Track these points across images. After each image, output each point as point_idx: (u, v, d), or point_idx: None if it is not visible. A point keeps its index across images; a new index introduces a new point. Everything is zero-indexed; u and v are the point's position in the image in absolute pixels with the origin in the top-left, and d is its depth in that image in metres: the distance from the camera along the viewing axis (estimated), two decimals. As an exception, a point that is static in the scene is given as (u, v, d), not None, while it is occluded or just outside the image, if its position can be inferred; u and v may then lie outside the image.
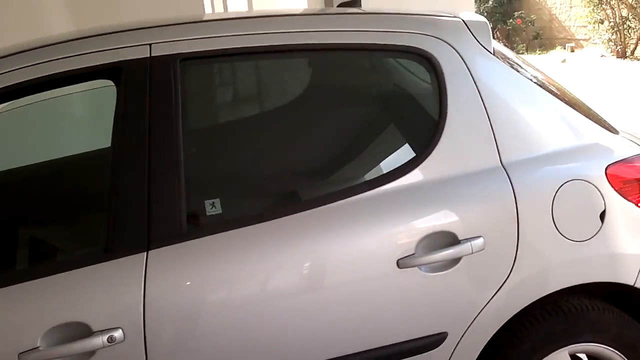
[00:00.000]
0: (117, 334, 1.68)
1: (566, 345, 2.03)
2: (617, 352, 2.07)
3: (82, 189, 2.45)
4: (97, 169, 2.11)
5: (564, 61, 17.47)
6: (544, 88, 2.10)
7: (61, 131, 3.21)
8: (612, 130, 2.19)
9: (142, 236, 1.74)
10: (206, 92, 2.12)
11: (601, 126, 2.14)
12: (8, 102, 2.17)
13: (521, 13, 20.77)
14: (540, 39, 20.24)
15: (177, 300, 1.74)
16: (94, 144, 2.35)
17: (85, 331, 1.68)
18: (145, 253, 1.73)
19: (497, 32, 22.27)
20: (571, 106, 2.12)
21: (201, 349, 1.76)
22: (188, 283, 1.75)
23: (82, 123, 3.30)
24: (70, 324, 1.68)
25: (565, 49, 18.89)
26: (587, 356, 2.17)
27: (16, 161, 2.81)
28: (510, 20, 20.95)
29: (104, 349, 1.68)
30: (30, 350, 1.66)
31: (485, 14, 21.53)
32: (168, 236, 1.75)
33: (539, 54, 19.43)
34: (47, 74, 1.81)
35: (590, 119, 2.13)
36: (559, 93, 2.15)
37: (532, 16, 20.46)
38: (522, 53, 19.94)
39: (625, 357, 2.07)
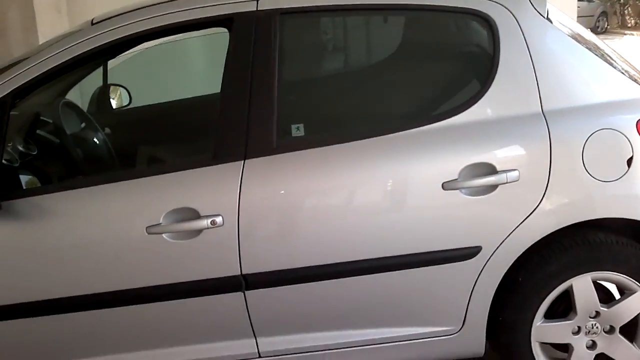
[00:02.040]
0: (218, 219, 2.21)
1: (589, 272, 2.36)
2: (635, 281, 2.38)
3: (197, 124, 3.00)
4: (209, 107, 2.61)
5: (696, 41, 16.59)
6: (589, 49, 2.41)
7: (187, 68, 3.81)
8: None
9: (241, 148, 2.25)
10: (300, 40, 2.59)
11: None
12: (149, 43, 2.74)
13: (655, -11, 19.72)
14: (675, 17, 19.14)
15: (263, 198, 2.24)
16: (211, 82, 2.86)
17: (195, 215, 2.22)
18: (243, 161, 2.24)
19: (628, 9, 21.32)
20: (614, 67, 2.42)
21: (280, 238, 2.27)
22: (273, 186, 2.25)
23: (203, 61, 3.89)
24: (184, 209, 2.22)
25: (700, 28, 17.84)
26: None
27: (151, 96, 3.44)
28: (643, -3, 19.92)
29: (208, 229, 2.21)
30: (155, 225, 2.22)
31: (618, -11, 20.65)
32: (261, 150, 2.25)
33: (671, 32, 18.46)
34: (180, 20, 2.34)
35: (630, 78, 2.43)
36: (603, 55, 2.46)
37: (667, -7, 19.37)
38: (653, 31, 19.02)
39: (643, 287, 2.39)
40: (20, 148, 2.56)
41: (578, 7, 20.25)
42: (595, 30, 20.73)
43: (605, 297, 2.47)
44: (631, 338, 2.47)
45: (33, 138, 2.70)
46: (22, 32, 4.79)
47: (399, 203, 2.30)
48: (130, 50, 3.03)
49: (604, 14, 21.08)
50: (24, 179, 2.53)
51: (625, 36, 19.70)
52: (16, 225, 2.25)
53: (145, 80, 4.43)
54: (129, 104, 3.84)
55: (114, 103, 3.90)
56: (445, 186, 2.24)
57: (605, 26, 21.10)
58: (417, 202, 2.30)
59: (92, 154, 2.84)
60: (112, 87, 3.83)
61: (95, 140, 2.91)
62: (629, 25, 21.22)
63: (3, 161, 2.39)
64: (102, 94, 3.67)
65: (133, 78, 4.12)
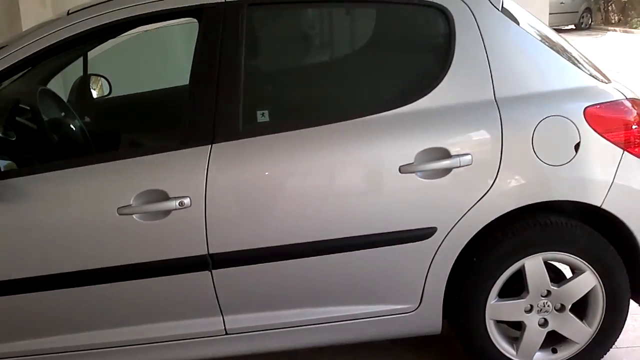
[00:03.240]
0: (186, 200, 2.32)
1: (540, 252, 2.49)
2: (584, 262, 2.51)
3: (171, 112, 3.09)
4: (182, 96, 2.71)
5: (677, 38, 16.79)
6: (541, 41, 2.54)
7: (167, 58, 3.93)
8: (604, 79, 2.60)
9: (209, 133, 2.36)
10: (266, 30, 2.71)
11: (592, 76, 2.56)
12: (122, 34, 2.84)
13: (639, -14, 19.92)
14: (658, 14, 19.36)
15: (228, 181, 2.35)
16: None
17: (164, 196, 2.32)
18: (210, 145, 2.35)
19: (612, 5, 21.54)
20: (565, 58, 2.55)
21: (244, 219, 2.38)
22: (239, 168, 2.36)
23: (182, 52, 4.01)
24: (154, 191, 2.33)
25: (682, 25, 18.06)
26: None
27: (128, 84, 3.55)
28: (627, -7, 20.12)
29: (176, 210, 2.32)
30: (125, 206, 2.32)
31: (602, -15, 20.84)
32: (227, 134, 2.37)
33: (653, 29, 18.68)
34: (152, 10, 2.44)
35: (581, 69, 2.56)
36: (556, 47, 2.59)
37: (650, -10, 19.59)
38: (636, 27, 19.28)
39: (592, 267, 2.51)
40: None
41: (562, 3, 20.51)
42: (579, 26, 20.96)
43: (556, 276, 2.60)
44: (581, 316, 2.60)
45: (12, 125, 2.80)
46: (7, 24, 4.88)
47: (358, 185, 2.42)
48: (110, 41, 3.15)
49: (587, 10, 21.30)
50: (2, 163, 2.62)
51: (608, 32, 19.93)
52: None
53: (125, 70, 4.52)
54: (109, 94, 3.94)
55: (94, 93, 3.99)
56: (402, 170, 2.35)
57: (590, 22, 21.31)
58: (375, 185, 2.42)
59: (69, 140, 2.93)
60: (92, 77, 3.92)
61: (72, 126, 3.01)
62: (613, 21, 21.45)
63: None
64: (83, 84, 3.76)
65: (114, 68, 4.21)
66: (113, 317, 2.48)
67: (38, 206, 2.38)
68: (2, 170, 2.51)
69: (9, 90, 3.02)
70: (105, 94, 3.99)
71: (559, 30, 19.28)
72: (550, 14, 19.97)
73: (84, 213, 2.38)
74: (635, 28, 19.33)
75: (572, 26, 21.15)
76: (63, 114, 3.08)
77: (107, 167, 2.42)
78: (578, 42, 16.67)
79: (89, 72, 3.76)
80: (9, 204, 2.37)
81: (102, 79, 4.02)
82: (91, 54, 3.70)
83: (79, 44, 2.71)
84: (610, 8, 21.73)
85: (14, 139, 2.71)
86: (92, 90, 3.94)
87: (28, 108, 2.98)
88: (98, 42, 2.92)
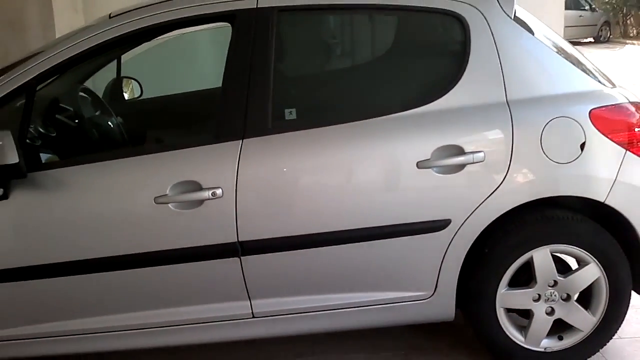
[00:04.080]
0: (219, 191, 2.51)
1: (547, 245, 2.65)
2: (588, 254, 2.67)
3: (201, 113, 3.28)
4: (213, 98, 2.90)
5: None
6: (551, 48, 2.71)
7: (196, 62, 4.15)
8: (609, 84, 2.78)
9: (240, 129, 2.56)
10: (295, 35, 2.90)
11: (597, 80, 2.73)
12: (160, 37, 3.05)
13: (657, -1, 19.96)
14: (676, 27, 19.36)
15: (258, 173, 2.55)
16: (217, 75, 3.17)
17: (198, 187, 2.52)
18: (241, 140, 2.55)
19: (631, 19, 21.60)
20: (573, 63, 2.73)
21: (273, 209, 2.57)
22: (268, 162, 2.55)
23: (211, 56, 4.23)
24: (188, 182, 2.52)
25: (699, 38, 18.07)
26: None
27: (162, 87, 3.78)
28: (645, 7, 20.16)
29: (209, 200, 2.51)
30: (162, 195, 2.52)
31: (620, -1, 20.93)
32: (257, 130, 2.56)
33: (671, 42, 18.70)
34: (189, 14, 2.65)
35: (587, 74, 2.73)
36: (564, 53, 2.76)
37: (668, 3, 19.61)
38: (653, 41, 19.29)
39: (596, 259, 2.67)
40: (41, 130, 2.87)
41: (581, 16, 20.62)
42: (598, 39, 21.05)
43: (563, 268, 2.76)
44: (586, 305, 2.76)
45: (52, 122, 3.01)
46: (41, 29, 5.11)
47: (377, 179, 2.60)
48: (144, 44, 3.37)
49: (606, 23, 21.39)
50: (44, 157, 2.83)
51: (626, 45, 19.99)
52: (38, 194, 2.55)
53: (156, 73, 4.75)
54: (140, 96, 4.16)
55: (126, 95, 4.20)
56: (419, 165, 2.53)
57: (608, 35, 21.39)
58: (394, 179, 2.60)
59: (106, 135, 3.14)
60: (124, 80, 4.14)
61: (110, 123, 3.22)
62: (631, 35, 21.51)
63: (28, 140, 2.71)
64: (115, 86, 3.98)
65: (145, 71, 4.44)
66: (149, 300, 2.66)
67: (79, 195, 2.58)
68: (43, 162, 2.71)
69: (48, 90, 3.23)
70: (136, 95, 4.21)
71: (577, 43, 19.35)
72: (568, 26, 20.18)
73: (123, 202, 2.58)
74: (653, 41, 19.41)
75: (591, 39, 21.26)
76: (101, 112, 3.29)
77: (144, 159, 2.61)
78: (596, 55, 16.80)
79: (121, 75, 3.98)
80: (51, 192, 2.56)
81: (133, 81, 4.23)
82: (123, 58, 3.93)
83: (120, 46, 2.92)
84: (629, 22, 21.81)
85: (54, 134, 2.92)
86: (124, 93, 4.16)
87: (68, 107, 3.19)
88: (136, 45, 3.12)
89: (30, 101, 2.58)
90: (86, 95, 3.24)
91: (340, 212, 2.59)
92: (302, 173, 2.59)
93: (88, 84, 3.75)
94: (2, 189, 2.51)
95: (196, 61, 5.12)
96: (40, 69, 2.59)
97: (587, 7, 21.20)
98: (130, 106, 3.95)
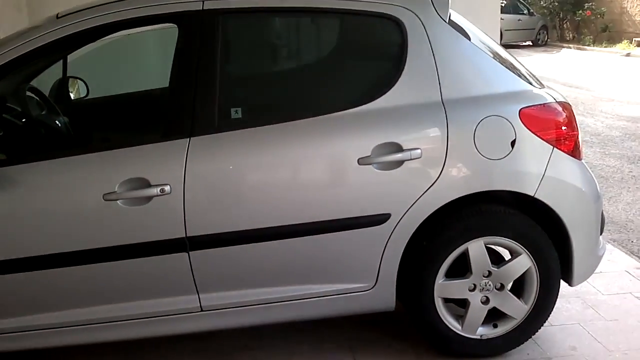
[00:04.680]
0: (167, 187, 2.57)
1: (482, 237, 2.81)
2: (520, 245, 2.83)
3: (148, 112, 3.34)
4: (159, 98, 2.96)
5: (627, 55, 17.55)
6: (483, 50, 2.87)
7: (141, 62, 4.17)
8: (538, 85, 2.95)
9: (187, 127, 2.63)
10: (240, 36, 2.98)
11: (526, 81, 2.90)
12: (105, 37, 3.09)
13: (592, 5, 20.72)
14: (609, 32, 20.20)
15: (205, 170, 2.62)
16: (163, 75, 3.22)
17: (146, 184, 2.58)
18: (189, 138, 2.62)
19: (567, 23, 22.33)
20: (504, 65, 2.89)
21: (219, 204, 2.65)
22: (214, 159, 2.63)
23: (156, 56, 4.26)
24: (137, 179, 2.58)
25: (632, 43, 18.89)
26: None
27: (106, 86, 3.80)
28: (580, 12, 20.92)
29: (157, 197, 2.58)
30: (111, 192, 2.57)
31: (557, 3, 21.67)
32: (204, 129, 2.63)
33: (605, 46, 19.47)
34: (137, 15, 2.70)
35: (518, 75, 2.90)
36: (496, 56, 2.93)
37: (602, 9, 20.40)
38: (589, 45, 20.04)
39: (527, 250, 2.83)
40: None
41: (519, 20, 21.20)
42: (536, 42, 21.71)
43: (497, 259, 2.92)
44: (519, 294, 2.92)
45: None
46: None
47: (320, 175, 2.72)
48: (92, 44, 3.39)
49: (544, 27, 22.08)
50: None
51: (563, 49, 20.68)
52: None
53: (102, 73, 4.75)
54: (86, 96, 4.17)
55: (72, 94, 4.20)
56: (360, 161, 2.65)
57: (546, 39, 22.09)
58: (336, 175, 2.72)
59: (54, 134, 3.15)
60: (70, 80, 4.14)
61: (57, 122, 3.23)
62: (568, 38, 22.26)
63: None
64: (61, 86, 3.97)
65: (91, 71, 4.44)
66: (97, 296, 2.70)
67: (29, 193, 2.61)
68: None
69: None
70: (82, 95, 4.21)
71: (516, 47, 19.86)
72: (507, 30, 20.62)
73: (72, 199, 2.62)
74: (588, 45, 20.10)
75: (529, 43, 21.91)
76: (49, 111, 3.30)
77: (94, 157, 2.66)
78: (535, 58, 17.35)
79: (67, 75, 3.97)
80: (6, 190, 2.59)
81: (79, 81, 4.23)
82: (69, 57, 3.93)
83: (67, 46, 2.95)
84: (565, 26, 22.55)
85: (1, 134, 2.93)
86: (69, 92, 4.15)
87: (14, 106, 3.19)
88: (84, 44, 3.15)
89: None
90: (33, 95, 3.24)
91: (284, 208, 2.69)
92: (247, 170, 2.68)
93: (33, 83, 3.75)
94: None
95: (142, 61, 5.15)
96: None
97: (525, 12, 21.84)
98: (76, 106, 3.96)
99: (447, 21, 2.81)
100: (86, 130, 3.47)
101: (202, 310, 2.76)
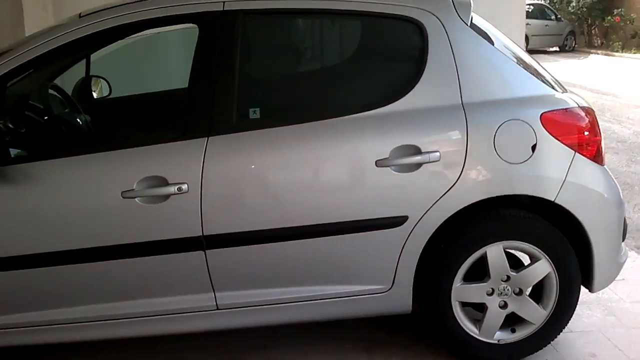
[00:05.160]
0: (184, 186, 2.59)
1: (500, 241, 2.78)
2: (540, 250, 2.80)
3: (168, 111, 3.36)
4: (179, 97, 2.97)
5: (657, 62, 17.26)
6: (505, 54, 2.84)
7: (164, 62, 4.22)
8: (561, 89, 2.92)
9: (206, 127, 2.64)
10: (260, 37, 3.00)
11: (549, 86, 2.87)
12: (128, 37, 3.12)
13: (621, 11, 20.46)
14: (639, 38, 19.91)
15: (222, 169, 2.63)
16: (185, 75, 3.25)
17: (164, 182, 2.59)
18: (207, 137, 2.63)
19: (595, 29, 22.09)
20: (526, 70, 2.87)
21: (237, 204, 2.66)
22: (232, 158, 2.64)
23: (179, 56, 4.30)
24: (155, 177, 2.59)
25: (662, 50, 18.57)
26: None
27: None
28: (609, 18, 20.68)
29: (174, 195, 2.59)
30: (129, 190, 2.59)
31: (585, 9, 21.45)
32: (222, 128, 2.64)
33: (634, 52, 19.21)
34: (158, 15, 2.72)
35: (540, 80, 2.87)
36: (519, 60, 2.90)
37: (632, 15, 20.13)
38: (617, 51, 19.80)
39: (547, 255, 2.80)
40: (10, 126, 2.91)
41: (547, 25, 21.01)
42: (563, 48, 21.50)
43: (516, 263, 2.89)
44: (537, 300, 2.89)
45: (22, 118, 3.05)
46: (11, 26, 5.13)
47: (338, 176, 2.71)
48: (114, 43, 3.43)
49: (572, 33, 21.87)
50: (14, 152, 2.87)
51: (591, 55, 20.46)
52: (7, 188, 2.61)
53: (126, 72, 4.80)
54: (109, 95, 4.21)
55: (95, 93, 4.25)
56: (378, 163, 2.64)
57: (573, 45, 21.87)
58: (354, 176, 2.71)
59: (75, 132, 3.19)
60: (93, 79, 4.18)
61: (78, 121, 3.27)
62: (596, 44, 22.01)
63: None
64: (84, 85, 4.02)
65: (115, 70, 4.49)
66: (114, 292, 2.73)
67: (49, 189, 2.64)
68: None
69: (19, 87, 3.27)
70: (105, 94, 4.25)
71: (543, 52, 19.68)
72: (535, 35, 20.44)
73: (91, 196, 2.64)
74: (617, 51, 19.86)
75: (557, 48, 21.71)
76: (70, 109, 3.34)
77: (113, 154, 2.68)
78: (562, 64, 17.19)
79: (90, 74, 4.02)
80: (20, 186, 2.62)
81: (102, 80, 4.28)
82: (93, 57, 3.97)
83: (88, 45, 2.99)
84: (593, 32, 22.31)
85: (24, 130, 2.97)
86: (92, 91, 4.20)
87: (37, 103, 3.24)
88: (105, 44, 3.18)
89: None
90: (56, 93, 3.29)
91: (301, 208, 2.69)
92: (265, 170, 2.69)
93: (57, 82, 3.79)
94: None
95: (166, 61, 5.19)
96: (9, 66, 2.65)
97: (553, 17, 21.66)
98: (98, 104, 4.00)
99: (468, 24, 2.79)
100: (107, 128, 3.51)
101: (217, 309, 2.77)
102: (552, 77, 3.04)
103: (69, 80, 4.15)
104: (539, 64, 3.11)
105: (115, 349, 3.12)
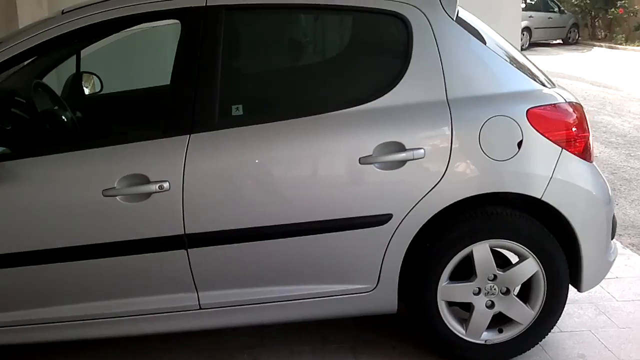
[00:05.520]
0: (166, 184, 2.56)
1: (487, 239, 2.74)
2: (527, 249, 2.76)
3: (154, 107, 3.33)
4: (163, 94, 2.94)
5: (660, 55, 17.15)
6: (491, 49, 2.80)
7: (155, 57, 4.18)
8: (550, 84, 2.87)
9: (187, 124, 2.61)
10: (242, 32, 2.96)
11: (537, 81, 2.83)
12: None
13: (624, 2, 20.32)
14: (643, 30, 19.72)
15: (204, 167, 2.60)
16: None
17: (145, 180, 2.56)
18: (189, 135, 2.60)
19: (599, 21, 21.95)
20: (513, 65, 2.82)
21: (218, 202, 2.63)
22: (214, 156, 2.61)
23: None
24: (136, 175, 2.56)
25: (665, 42, 18.43)
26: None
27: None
28: (612, 10, 20.53)
29: (156, 193, 2.56)
30: (110, 188, 2.56)
31: (588, 1, 21.31)
32: (204, 125, 2.61)
33: (638, 45, 19.09)
34: (141, 11, 2.69)
35: (527, 75, 2.82)
36: (506, 55, 2.85)
37: (635, 7, 19.99)
38: (621, 43, 19.68)
39: (534, 254, 2.76)
40: None
41: (550, 18, 20.87)
42: (566, 41, 21.37)
43: (503, 262, 2.85)
44: (525, 299, 2.85)
45: (7, 115, 3.03)
46: (5, 22, 5.10)
47: (321, 174, 2.68)
48: (102, 40, 3.40)
49: (575, 25, 21.72)
50: (-1, 150, 2.85)
51: (594, 47, 20.33)
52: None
53: (117, 68, 4.77)
54: (100, 91, 4.18)
55: (87, 89, 4.21)
56: (361, 161, 2.60)
57: (577, 37, 21.73)
58: (337, 174, 2.67)
59: (60, 129, 3.16)
60: (85, 75, 4.15)
61: (64, 117, 3.24)
62: (599, 37, 21.87)
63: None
64: (75, 81, 3.99)
65: (106, 66, 4.45)
66: (95, 291, 2.70)
67: (29, 187, 2.62)
68: None
69: (7, 83, 3.25)
70: (97, 90, 4.22)
71: (546, 45, 19.57)
72: (537, 28, 20.33)
73: (71, 193, 2.61)
74: (620, 44, 19.74)
75: (560, 41, 21.58)
76: (56, 106, 3.31)
77: (94, 152, 2.65)
78: (564, 57, 17.10)
79: (81, 70, 3.99)
80: (2, 184, 2.60)
81: (94, 76, 4.24)
82: (84, 52, 3.94)
83: (71, 41, 2.96)
84: (597, 24, 22.16)
85: (9, 128, 2.94)
86: (84, 87, 4.17)
87: (23, 100, 3.21)
88: (89, 40, 3.15)
89: None
90: (41, 90, 3.26)
91: (284, 207, 2.66)
92: (246, 168, 2.65)
93: (51, 77, 3.77)
94: None
95: (163, 57, 5.15)
96: None
97: (556, 9, 21.52)
98: (85, 101, 3.97)
99: (454, 19, 2.75)
100: (91, 125, 3.47)
101: (200, 308, 2.74)
102: (541, 71, 2.99)
103: (64, 76, 4.13)
104: (528, 58, 3.06)
105: (102, 347, 3.09)
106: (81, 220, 2.61)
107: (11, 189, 2.61)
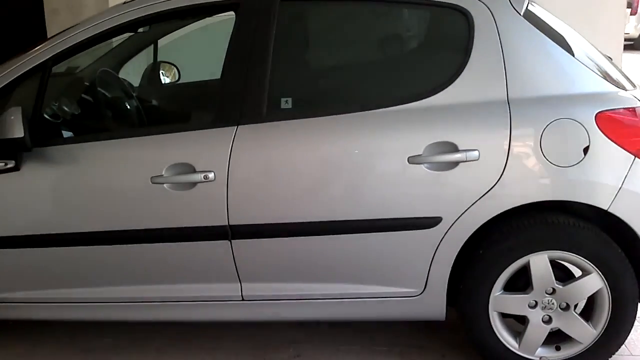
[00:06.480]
0: (211, 174, 2.55)
1: (546, 250, 2.55)
2: (590, 263, 2.55)
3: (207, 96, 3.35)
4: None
5: None
6: (562, 47, 2.59)
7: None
8: (630, 86, 2.64)
9: (235, 115, 2.59)
10: (296, 25, 2.90)
11: (613, 83, 2.59)
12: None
13: None
14: None
15: (250, 159, 2.57)
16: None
17: (191, 169, 2.57)
18: (236, 126, 2.58)
19: None
20: (585, 64, 2.60)
21: (263, 195, 2.59)
22: (261, 149, 2.57)
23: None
24: (183, 164, 2.57)
25: None
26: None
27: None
28: None
29: (201, 183, 2.56)
30: (158, 176, 2.58)
31: None
32: (252, 117, 2.58)
33: None
34: (194, 3, 2.70)
35: (600, 75, 2.60)
36: (577, 52, 2.64)
37: None
38: None
39: (598, 269, 2.54)
40: (65, 108, 3.00)
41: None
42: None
43: (565, 276, 2.65)
44: (588, 317, 2.64)
45: (78, 100, 3.14)
46: (96, 11, 5.32)
47: (368, 172, 2.57)
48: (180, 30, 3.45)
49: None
50: (66, 134, 2.96)
51: None
52: (45, 167, 2.68)
53: (196, 58, 4.83)
54: (178, 80, 4.26)
55: (167, 79, 4.31)
56: (410, 160, 2.49)
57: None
58: (385, 173, 2.56)
59: (122, 116, 3.24)
60: (166, 65, 4.25)
61: (127, 105, 3.32)
62: None
63: (47, 117, 2.84)
64: (153, 71, 4.09)
65: (185, 56, 4.54)
66: (142, 275, 2.74)
67: (83, 171, 2.69)
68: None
69: (88, 71, 3.39)
70: (176, 80, 4.31)
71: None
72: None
73: (122, 179, 2.66)
74: None
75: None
76: (119, 94, 3.40)
77: (145, 140, 2.70)
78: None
79: (159, 60, 4.09)
80: (58, 167, 2.70)
81: (173, 67, 4.33)
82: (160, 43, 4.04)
83: (129, 31, 3.03)
84: None
85: (78, 113, 3.05)
86: (163, 77, 4.26)
87: (91, 88, 3.32)
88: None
89: (45, 79, 2.70)
90: (108, 78, 3.35)
91: (330, 203, 2.58)
92: (293, 162, 2.59)
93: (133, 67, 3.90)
94: (13, 161, 2.64)
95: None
96: (54, 50, 2.72)
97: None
98: (163, 90, 4.06)
99: (521, 13, 2.57)
100: (150, 114, 3.53)
101: (243, 300, 2.72)
102: (622, 73, 2.75)
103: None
104: (605, 57, 2.82)
105: (149, 340, 3.14)
106: (130, 205, 2.66)
107: (65, 172, 2.70)
